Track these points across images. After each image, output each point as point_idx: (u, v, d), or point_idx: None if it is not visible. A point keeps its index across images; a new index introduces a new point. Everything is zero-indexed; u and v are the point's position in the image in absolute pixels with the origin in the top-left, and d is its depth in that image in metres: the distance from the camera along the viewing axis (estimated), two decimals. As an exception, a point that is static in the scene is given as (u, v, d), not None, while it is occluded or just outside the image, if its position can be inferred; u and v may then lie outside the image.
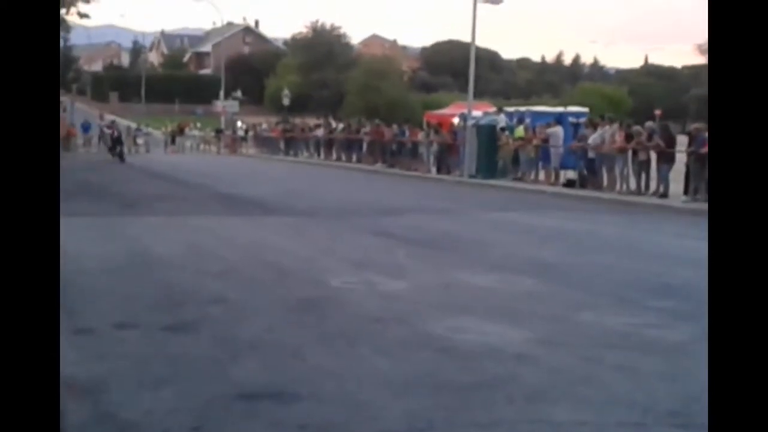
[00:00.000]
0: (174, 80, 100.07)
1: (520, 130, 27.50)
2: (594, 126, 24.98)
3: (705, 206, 18.88)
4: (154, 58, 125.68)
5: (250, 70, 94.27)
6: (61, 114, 50.24)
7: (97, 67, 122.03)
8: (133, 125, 58.51)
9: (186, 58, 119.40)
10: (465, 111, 30.49)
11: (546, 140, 25.81)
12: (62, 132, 43.08)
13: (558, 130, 25.88)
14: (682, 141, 23.05)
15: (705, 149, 20.02)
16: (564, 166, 25.30)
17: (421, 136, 33.05)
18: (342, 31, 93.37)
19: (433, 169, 30.71)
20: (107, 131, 42.11)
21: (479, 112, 32.74)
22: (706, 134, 20.48)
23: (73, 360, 5.93)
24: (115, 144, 39.95)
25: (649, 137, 22.23)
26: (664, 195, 21.21)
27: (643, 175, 22.31)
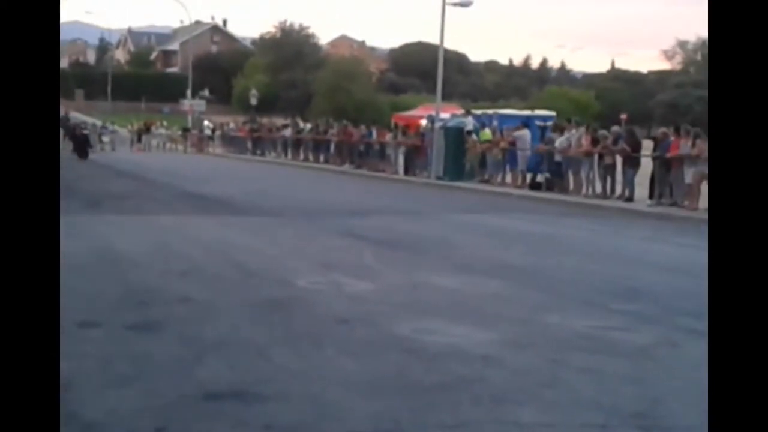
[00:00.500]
0: (141, 78, 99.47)
1: (486, 133, 27.59)
2: (561, 130, 25.11)
3: (669, 210, 19.08)
4: (120, 55, 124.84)
5: (218, 69, 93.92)
6: None
7: (63, 63, 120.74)
8: (99, 123, 58.06)
9: (153, 56, 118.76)
10: (433, 113, 30.55)
11: (513, 143, 25.90)
12: None
13: (525, 133, 26.00)
14: (647, 145, 23.20)
15: (669, 154, 20.20)
16: (531, 169, 25.38)
17: (388, 137, 33.05)
18: (310, 31, 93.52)
19: (401, 171, 30.72)
20: (83, 131, 41.53)
21: (447, 114, 32.82)
22: (672, 139, 20.68)
23: (36, 359, 5.87)
24: (83, 143, 39.58)
25: (615, 141, 22.38)
26: (630, 199, 21.34)
27: (609, 179, 22.44)
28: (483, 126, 28.89)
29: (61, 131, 40.40)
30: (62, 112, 50.09)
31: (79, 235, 12.60)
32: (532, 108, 41.88)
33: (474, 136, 27.75)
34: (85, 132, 41.35)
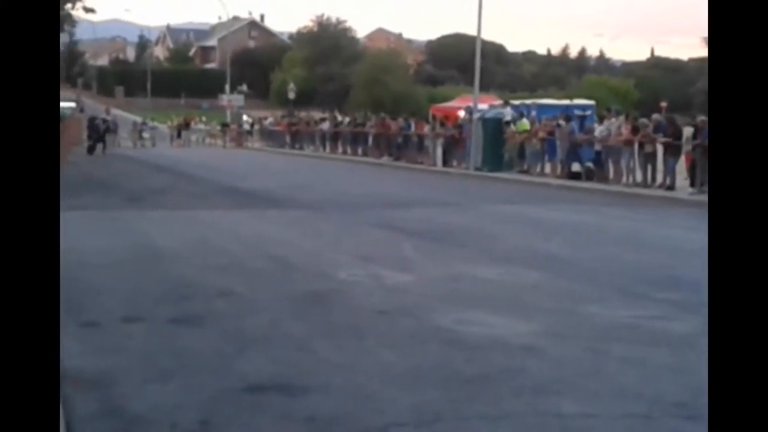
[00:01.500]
0: (179, 74, 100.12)
1: (524, 123, 27.43)
2: (601, 119, 24.94)
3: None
4: (159, 52, 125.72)
5: (256, 64, 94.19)
6: (78, 114, 50.15)
7: (103, 61, 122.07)
8: (139, 119, 58.47)
9: (191, 53, 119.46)
10: (471, 104, 30.44)
11: (552, 133, 25.73)
12: (78, 129, 42.96)
13: (569, 124, 25.79)
14: (688, 133, 22.96)
15: (711, 141, 19.97)
16: (571, 159, 25.21)
17: (426, 129, 33.00)
18: (347, 24, 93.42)
19: (439, 162, 30.66)
20: (96, 122, 41.07)
21: (485, 105, 32.70)
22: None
23: (80, 353, 5.95)
24: (102, 136, 39.52)
25: (656, 130, 22.17)
26: (671, 187, 21.16)
27: (650, 168, 22.26)
28: (521, 116, 28.72)
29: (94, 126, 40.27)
30: (111, 113, 50.55)
31: (120, 231, 12.74)
32: (571, 97, 41.57)
33: (512, 127, 27.64)
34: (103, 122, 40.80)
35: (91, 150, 37.98)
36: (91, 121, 40.66)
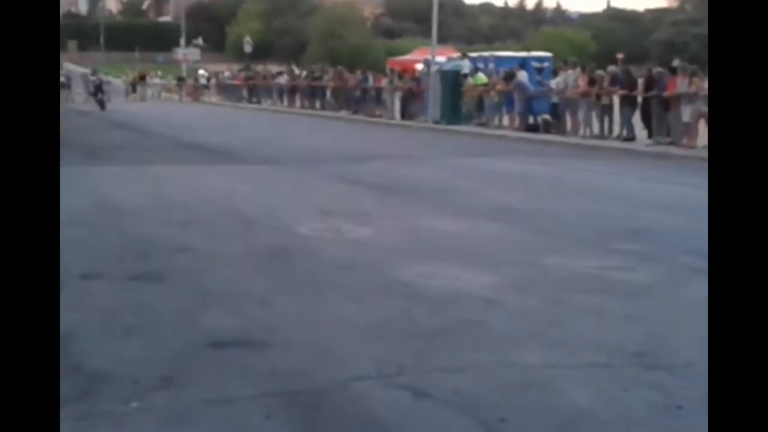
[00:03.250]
0: (133, 28, 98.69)
1: (482, 78, 27.42)
2: (557, 72, 25.02)
3: (668, 149, 19.05)
4: (112, 5, 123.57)
5: (211, 17, 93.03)
6: None
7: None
8: (90, 73, 57.66)
9: (145, 5, 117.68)
10: (428, 57, 30.34)
11: (509, 84, 25.75)
12: None
13: (524, 75, 25.81)
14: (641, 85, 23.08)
15: (666, 93, 20.09)
16: (529, 111, 25.27)
17: (384, 82, 32.90)
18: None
19: (397, 116, 30.62)
20: (92, 79, 42.23)
21: (443, 57, 32.61)
22: (667, 78, 20.53)
23: (40, 311, 5.88)
24: (96, 91, 40.15)
25: (612, 82, 22.26)
26: (628, 139, 21.30)
27: (607, 120, 22.39)
28: (477, 70, 28.67)
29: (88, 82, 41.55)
30: (65, 67, 50.19)
31: (78, 187, 12.58)
32: (529, 49, 41.51)
33: (470, 80, 27.62)
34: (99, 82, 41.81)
35: (102, 104, 39.18)
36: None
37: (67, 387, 4.61)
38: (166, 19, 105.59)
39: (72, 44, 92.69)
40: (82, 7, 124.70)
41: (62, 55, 73.21)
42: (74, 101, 43.60)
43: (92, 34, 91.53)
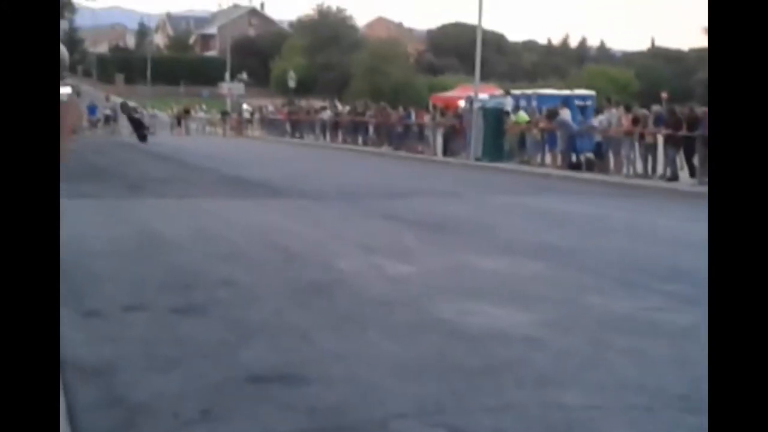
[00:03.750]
0: (179, 62, 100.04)
1: (523, 116, 27.41)
2: (600, 110, 24.96)
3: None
4: (159, 39, 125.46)
5: (256, 52, 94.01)
6: (76, 98, 50.18)
7: (103, 48, 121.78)
8: (139, 107, 58.43)
9: (191, 40, 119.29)
10: (471, 94, 30.41)
11: (552, 123, 25.71)
12: (76, 117, 43.12)
13: (567, 113, 25.77)
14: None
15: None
16: (572, 149, 25.20)
17: (427, 118, 32.99)
18: (347, 13, 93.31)
19: (439, 152, 30.65)
20: (136, 115, 43.03)
21: (485, 94, 32.66)
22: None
23: (82, 342, 5.95)
24: (139, 126, 40.85)
25: (656, 121, 22.17)
26: (672, 178, 21.16)
27: (650, 159, 22.27)
28: (518, 108, 28.68)
29: (121, 115, 42.30)
30: (111, 100, 51.10)
31: (122, 220, 12.75)
32: (571, 87, 41.51)
33: (512, 117, 27.62)
34: (138, 116, 42.44)
35: (143, 138, 39.87)
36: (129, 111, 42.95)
37: (107, 419, 4.66)
38: (211, 53, 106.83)
39: (119, 77, 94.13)
40: (130, 42, 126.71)
41: (109, 89, 74.26)
42: (120, 134, 44.22)
43: (139, 68, 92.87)
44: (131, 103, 55.84)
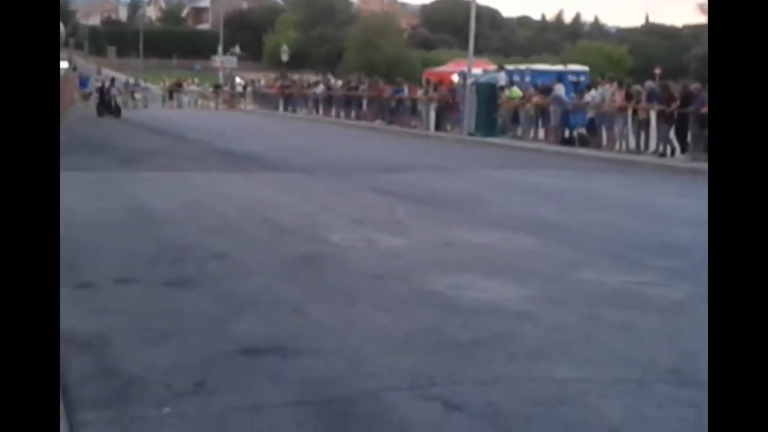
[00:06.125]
0: (172, 35, 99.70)
1: (516, 91, 27.37)
2: (594, 85, 24.92)
3: (704, 165, 18.87)
4: (152, 12, 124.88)
5: (249, 25, 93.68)
6: (71, 73, 49.99)
7: (95, 21, 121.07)
8: (132, 81, 58.17)
9: (184, 13, 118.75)
10: (465, 68, 30.33)
11: (545, 101, 25.68)
12: (70, 90, 42.84)
13: (561, 88, 25.73)
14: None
15: (705, 109, 19.95)
16: (565, 125, 25.18)
17: (420, 93, 32.90)
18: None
19: (432, 127, 30.58)
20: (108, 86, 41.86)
21: (479, 69, 32.59)
22: (706, 94, 20.39)
23: (74, 315, 5.94)
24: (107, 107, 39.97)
25: (649, 96, 22.16)
26: (664, 154, 21.18)
27: (643, 135, 22.27)
28: (511, 83, 28.62)
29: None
30: (102, 73, 50.61)
31: (113, 192, 12.72)
32: (565, 63, 41.46)
33: (506, 92, 27.57)
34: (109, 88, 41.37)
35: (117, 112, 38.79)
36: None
37: (100, 391, 4.66)
38: (204, 27, 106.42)
39: (111, 50, 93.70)
40: (122, 14, 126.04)
41: (101, 61, 73.92)
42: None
43: (131, 41, 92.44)
44: (126, 78, 55.57)
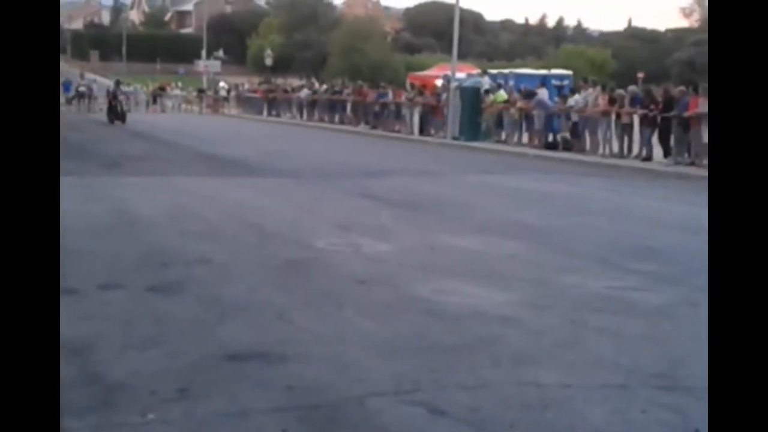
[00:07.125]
0: (155, 39, 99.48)
1: (501, 95, 27.42)
2: (577, 90, 25.01)
3: (687, 170, 18.98)
4: (134, 16, 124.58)
5: (233, 29, 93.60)
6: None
7: (77, 24, 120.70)
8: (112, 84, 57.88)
9: (167, 17, 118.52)
10: (448, 73, 30.39)
11: (529, 105, 25.75)
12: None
13: (544, 93, 25.82)
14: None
15: (687, 113, 20.04)
16: (548, 129, 25.25)
17: (404, 97, 32.93)
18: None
19: (416, 131, 30.63)
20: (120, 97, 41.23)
21: (463, 74, 32.63)
22: (689, 98, 20.49)
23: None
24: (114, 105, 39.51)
25: (632, 101, 22.25)
26: (647, 158, 21.27)
27: (626, 139, 22.36)
28: (498, 87, 28.68)
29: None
30: (85, 77, 50.14)
31: (97, 197, 12.68)
32: (549, 67, 41.54)
33: (490, 96, 27.63)
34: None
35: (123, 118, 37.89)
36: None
37: (84, 397, 4.65)
38: (187, 31, 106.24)
39: (94, 54, 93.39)
40: (105, 18, 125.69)
41: (83, 65, 73.67)
42: (95, 111, 43.79)
43: (114, 45, 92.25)
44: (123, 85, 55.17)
